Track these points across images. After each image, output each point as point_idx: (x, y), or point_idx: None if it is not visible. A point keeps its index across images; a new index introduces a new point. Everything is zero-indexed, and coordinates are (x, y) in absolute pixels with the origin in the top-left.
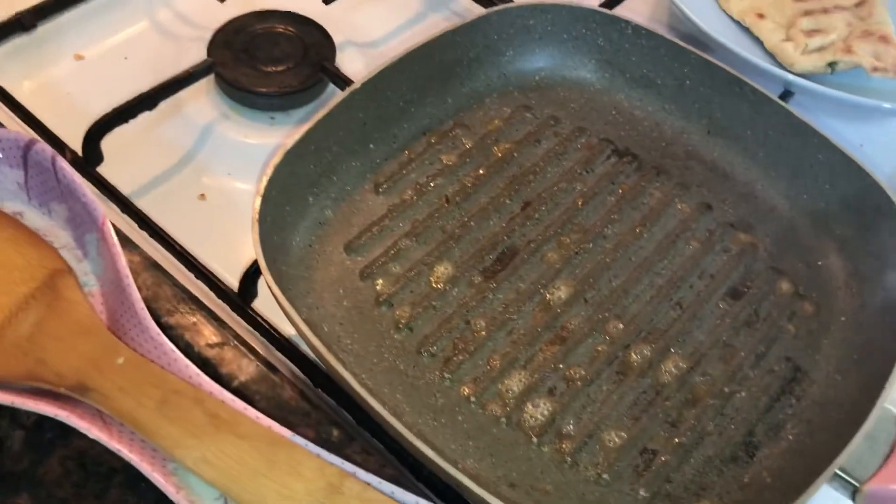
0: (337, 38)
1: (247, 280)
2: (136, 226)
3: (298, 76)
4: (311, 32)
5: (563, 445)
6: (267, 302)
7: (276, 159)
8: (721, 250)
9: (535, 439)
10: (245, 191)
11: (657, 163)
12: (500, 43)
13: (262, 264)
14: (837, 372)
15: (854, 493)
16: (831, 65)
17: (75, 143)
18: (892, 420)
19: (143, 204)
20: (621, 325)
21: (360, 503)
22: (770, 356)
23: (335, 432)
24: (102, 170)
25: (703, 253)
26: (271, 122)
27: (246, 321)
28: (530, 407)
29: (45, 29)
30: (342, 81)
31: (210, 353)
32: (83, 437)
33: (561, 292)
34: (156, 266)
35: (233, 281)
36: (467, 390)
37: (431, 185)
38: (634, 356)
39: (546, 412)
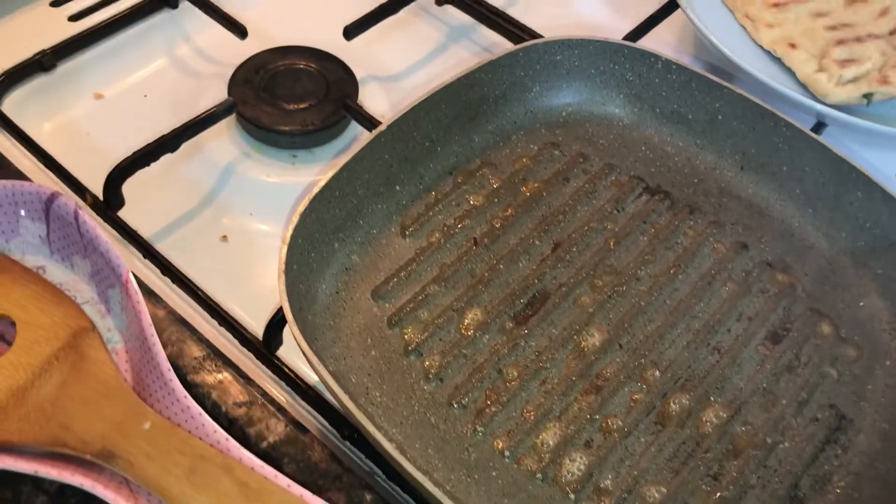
0: (358, 73)
1: (271, 328)
2: (158, 272)
3: (321, 114)
4: (332, 68)
5: (602, 501)
6: (292, 348)
7: (302, 207)
8: (758, 291)
9: (572, 496)
10: (267, 232)
11: (690, 200)
12: (527, 79)
13: (290, 318)
14: (885, 420)
15: None
16: (867, 96)
17: (96, 186)
18: None
19: (164, 247)
20: (658, 373)
21: None
22: (813, 403)
23: (368, 496)
24: (123, 213)
25: (740, 294)
26: (293, 160)
27: (271, 370)
28: (567, 461)
29: (64, 68)
30: (366, 120)
31: (237, 413)
32: None
33: (595, 338)
34: (181, 321)
35: (257, 328)
36: (501, 444)
37: (459, 226)
38: (673, 405)
39: (583, 466)
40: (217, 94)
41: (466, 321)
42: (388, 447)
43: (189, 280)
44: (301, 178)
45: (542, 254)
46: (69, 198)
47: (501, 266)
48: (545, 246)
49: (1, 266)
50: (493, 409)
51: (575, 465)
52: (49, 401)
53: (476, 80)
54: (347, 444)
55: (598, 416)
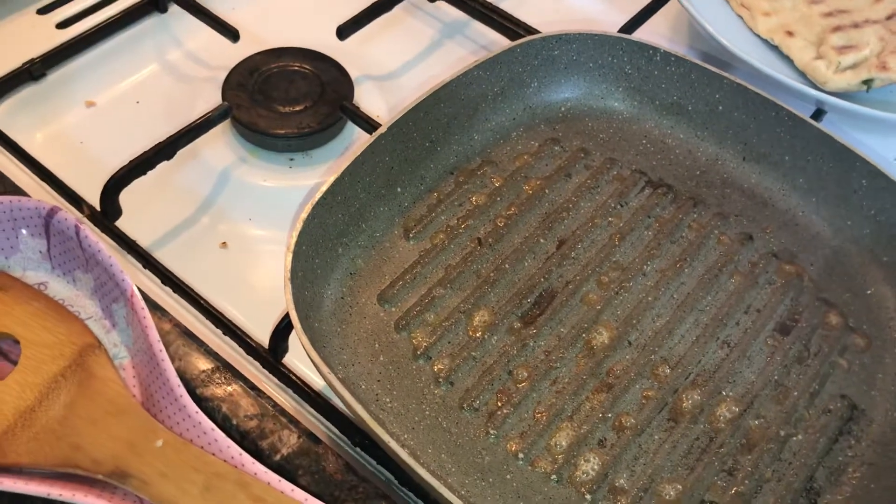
0: (353, 73)
1: (277, 336)
2: (159, 282)
3: (317, 116)
4: (327, 69)
5: (618, 501)
6: (298, 355)
7: (305, 213)
8: (765, 283)
9: (588, 496)
10: (267, 237)
11: (693, 192)
12: (525, 75)
13: (298, 327)
14: None
15: None
16: (866, 82)
17: (92, 196)
18: None
19: (163, 256)
20: (668, 369)
21: None
22: (824, 394)
23: None
24: (120, 222)
25: (747, 286)
26: (291, 163)
27: (278, 378)
28: (581, 461)
29: (54, 77)
30: (363, 121)
31: (249, 426)
32: None
33: (603, 336)
34: (187, 333)
35: (262, 335)
36: (514, 446)
37: (462, 227)
38: (685, 401)
39: (597, 466)
40: (210, 98)
41: (474, 323)
42: (402, 453)
43: (191, 289)
44: (299, 181)
45: (548, 252)
46: (69, 212)
47: (507, 265)
48: (550, 244)
49: (2, 284)
50: (505, 410)
51: (589, 464)
52: (58, 421)
53: (474, 77)
54: (362, 453)
55: (610, 415)
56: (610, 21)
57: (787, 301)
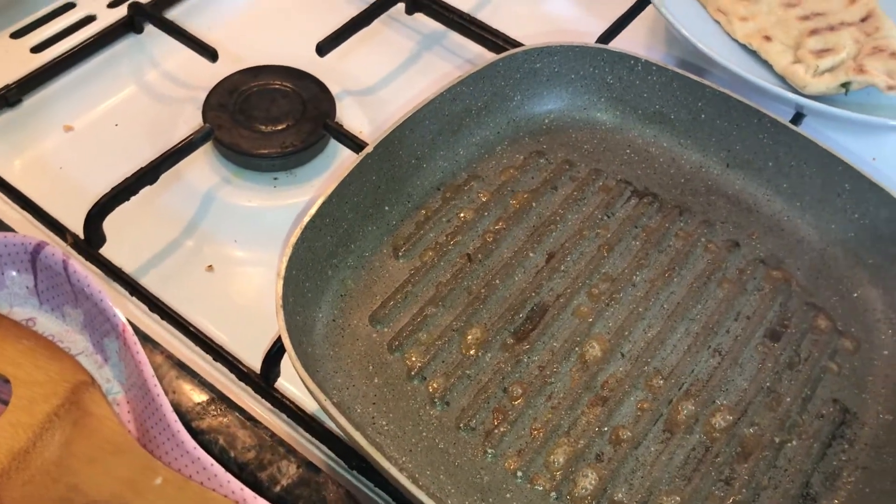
0: (333, 89)
1: (269, 361)
2: (146, 308)
3: (300, 134)
4: (307, 86)
5: None
6: (289, 377)
7: (294, 237)
8: (754, 289)
9: None
10: (253, 259)
11: (678, 201)
12: (508, 89)
13: (292, 354)
14: (887, 411)
15: None
16: (844, 85)
17: (75, 223)
18: None
19: (149, 281)
20: (662, 380)
21: None
22: (816, 399)
23: None
24: (104, 249)
25: (735, 294)
26: (275, 182)
27: (271, 403)
28: (579, 477)
29: (30, 102)
30: (347, 139)
31: (247, 457)
32: None
33: (596, 349)
34: (180, 364)
35: (253, 360)
36: (512, 464)
37: (451, 243)
38: (679, 412)
39: (595, 480)
40: (190, 118)
41: (467, 340)
42: (400, 477)
43: (179, 316)
44: (283, 200)
45: (537, 265)
46: (56, 246)
47: (497, 281)
48: (539, 257)
49: None
50: (502, 429)
51: (588, 480)
52: (53, 462)
53: (458, 93)
54: (362, 479)
55: (606, 428)
56: (586, 29)
57: (776, 307)
